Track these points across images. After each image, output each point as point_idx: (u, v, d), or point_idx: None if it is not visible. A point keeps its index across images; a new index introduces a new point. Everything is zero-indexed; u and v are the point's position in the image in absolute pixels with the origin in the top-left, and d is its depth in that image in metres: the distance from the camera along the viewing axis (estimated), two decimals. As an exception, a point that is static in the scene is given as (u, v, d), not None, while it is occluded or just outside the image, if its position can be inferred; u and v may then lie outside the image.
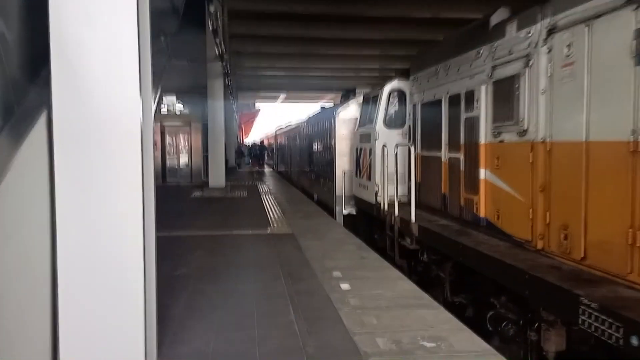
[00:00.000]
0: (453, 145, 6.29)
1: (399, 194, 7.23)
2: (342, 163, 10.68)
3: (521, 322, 4.38)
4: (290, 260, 6.45)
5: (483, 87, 5.53)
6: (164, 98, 22.31)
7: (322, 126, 12.74)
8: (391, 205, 7.30)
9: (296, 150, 19.00)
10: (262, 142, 36.70)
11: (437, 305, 4.72)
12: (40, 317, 2.95)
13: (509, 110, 4.98)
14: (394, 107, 8.28)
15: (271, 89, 36.61)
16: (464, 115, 5.97)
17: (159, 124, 20.37)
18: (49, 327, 2.96)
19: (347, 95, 12.65)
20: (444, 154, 6.55)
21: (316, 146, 13.64)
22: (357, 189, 9.43)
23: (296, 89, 35.10)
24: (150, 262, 3.29)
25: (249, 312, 4.49)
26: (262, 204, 12.45)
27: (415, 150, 7.02)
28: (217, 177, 14.79)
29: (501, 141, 5.15)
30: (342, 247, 7.25)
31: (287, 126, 24.30)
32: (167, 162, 20.69)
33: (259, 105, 56.26)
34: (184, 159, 20.84)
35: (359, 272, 5.82)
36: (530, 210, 4.59)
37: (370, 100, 8.87)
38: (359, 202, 9.44)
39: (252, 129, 58.65)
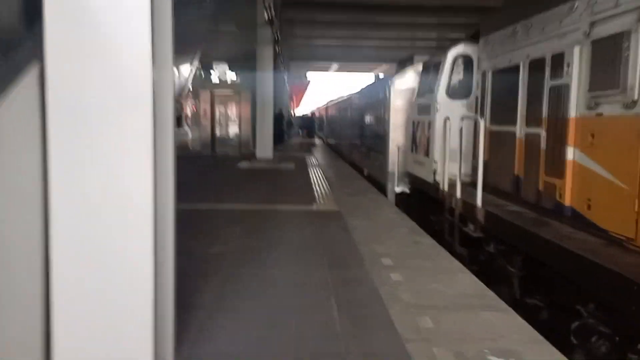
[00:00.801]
0: (532, 119, 5.34)
1: (461, 173, 6.38)
2: (397, 137, 9.84)
3: (618, 338, 3.54)
4: (335, 243, 5.81)
5: (577, 49, 4.54)
6: (214, 67, 21.99)
7: (375, 97, 11.86)
8: (452, 185, 6.46)
9: (347, 123, 18.20)
10: (312, 114, 35.97)
11: (505, 307, 3.95)
12: (28, 315, 2.44)
13: (612, 76, 4.01)
14: (458, 75, 7.33)
15: (323, 59, 35.62)
16: (548, 83, 5.00)
17: (209, 92, 20.13)
18: (40, 326, 2.44)
19: (403, 64, 11.67)
20: (520, 129, 5.61)
21: (368, 118, 12.80)
22: (413, 165, 8.60)
23: (349, 60, 33.92)
24: (166, 252, 2.71)
25: (284, 305, 3.89)
26: (309, 177, 11.84)
27: (483, 124, 6.11)
28: (265, 149, 14.30)
29: (599, 114, 4.19)
30: (394, 230, 6.53)
31: (338, 98, 23.45)
32: (217, 131, 20.46)
33: (310, 75, 55.51)
34: (233, 129, 20.53)
35: (412, 261, 5.11)
36: (637, 201, 3.68)
37: (431, 68, 7.94)
38: (414, 180, 8.62)
39: (303, 100, 58.09)
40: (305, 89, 56.76)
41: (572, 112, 4.56)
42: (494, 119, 6.39)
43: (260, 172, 13.13)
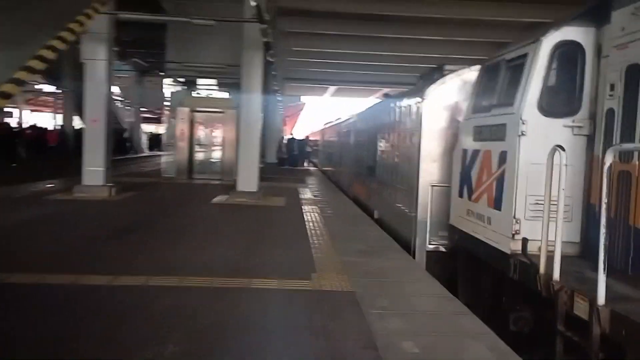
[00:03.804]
0: None
1: (560, 240, 3.48)
2: (430, 171, 6.91)
3: None
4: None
5: None
6: (199, 82, 19.17)
7: (394, 116, 8.95)
8: (546, 262, 3.50)
9: (349, 149, 15.26)
10: (306, 137, 33.04)
11: None
12: None
13: None
14: (559, 78, 4.46)
15: (320, 80, 33.08)
16: None
17: (187, 110, 17.21)
18: None
19: (430, 76, 8.79)
20: None
21: (382, 144, 9.85)
22: (463, 218, 5.62)
23: (353, 80, 31.33)
24: None
25: None
26: (303, 222, 8.82)
27: (611, 158, 3.23)
28: (248, 180, 11.31)
29: None
30: (457, 336, 3.54)
31: (338, 120, 20.57)
32: (195, 155, 17.47)
33: (304, 99, 53.01)
34: (215, 154, 17.56)
35: None
36: None
37: (503, 69, 5.06)
38: (464, 239, 5.64)
39: (297, 124, 55.48)
40: (299, 111, 54.22)
41: None
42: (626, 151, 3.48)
43: (238, 211, 10.08)
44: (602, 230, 2.99)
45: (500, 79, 5.05)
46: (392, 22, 18.62)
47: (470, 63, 7.15)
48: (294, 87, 37.24)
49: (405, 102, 8.11)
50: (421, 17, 17.79)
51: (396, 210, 8.32)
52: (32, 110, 43.14)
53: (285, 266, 5.70)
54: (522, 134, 4.39)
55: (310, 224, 8.59)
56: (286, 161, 26.62)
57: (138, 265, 5.44)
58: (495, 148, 4.85)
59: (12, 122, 32.55)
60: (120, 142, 31.94)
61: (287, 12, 17.53)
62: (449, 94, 6.81)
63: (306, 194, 13.47)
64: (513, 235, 4.39)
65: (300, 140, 30.42)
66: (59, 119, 30.56)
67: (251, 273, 5.30)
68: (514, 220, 4.40)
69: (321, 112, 50.22)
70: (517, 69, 4.71)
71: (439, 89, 6.87)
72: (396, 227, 8.19)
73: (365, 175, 11.72)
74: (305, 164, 29.05)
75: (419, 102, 7.15)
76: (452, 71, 7.32)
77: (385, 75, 28.12)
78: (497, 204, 4.75)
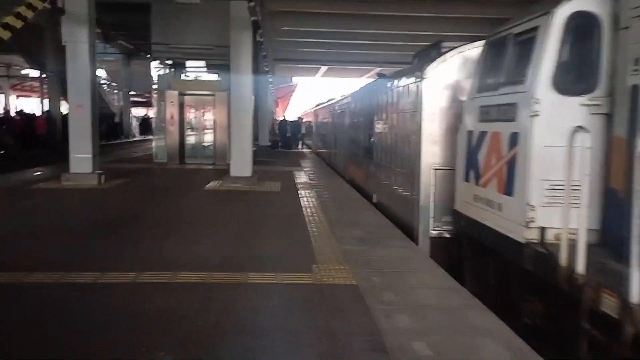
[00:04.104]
0: None
1: (581, 227, 3.23)
2: (432, 154, 6.61)
3: None
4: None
5: None
6: (188, 64, 18.62)
7: (392, 96, 8.61)
8: (568, 250, 3.25)
9: (345, 130, 14.90)
10: (299, 118, 32.49)
11: None
12: None
13: None
14: (573, 52, 4.13)
15: (311, 60, 32.46)
16: None
17: (176, 93, 16.72)
18: None
19: (427, 53, 8.43)
20: None
21: (380, 125, 9.52)
22: (470, 204, 5.35)
23: (344, 60, 30.74)
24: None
25: None
26: (300, 208, 8.53)
27: None
28: (242, 165, 10.96)
29: None
30: (470, 333, 3.30)
31: (332, 99, 20.12)
32: (186, 139, 17.05)
33: (296, 80, 52.29)
34: (206, 136, 17.15)
35: None
36: None
37: (510, 43, 4.73)
38: (470, 225, 5.37)
39: (289, 105, 54.85)
40: (291, 93, 53.58)
41: None
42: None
43: (233, 198, 9.77)
44: (636, 221, 2.72)
45: (507, 55, 4.72)
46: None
47: (467, 40, 6.81)
48: (284, 67, 36.61)
49: (403, 80, 7.76)
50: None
51: (396, 194, 8.05)
52: (18, 96, 42.24)
53: (284, 257, 5.43)
54: (536, 114, 4.08)
55: (308, 210, 8.31)
56: (279, 143, 26.19)
57: (127, 260, 5.14)
58: (505, 129, 4.55)
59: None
60: (111, 127, 31.38)
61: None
62: (450, 72, 6.47)
63: (301, 177, 13.16)
64: (527, 223, 4.12)
65: (293, 121, 29.92)
66: (46, 105, 29.87)
67: (248, 266, 5.02)
68: (528, 207, 4.12)
69: (314, 93, 49.61)
70: (527, 43, 4.38)
71: (440, 66, 6.52)
72: (397, 212, 7.93)
73: (362, 157, 11.41)
74: (300, 146, 28.65)
75: (418, 81, 6.81)
76: (450, 48, 6.95)
77: (378, 55, 27.62)
78: (508, 189, 4.46)
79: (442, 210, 6.55)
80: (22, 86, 40.38)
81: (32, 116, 26.83)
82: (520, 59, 4.47)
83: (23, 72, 33.93)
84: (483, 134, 5.02)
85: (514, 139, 4.39)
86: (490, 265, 5.13)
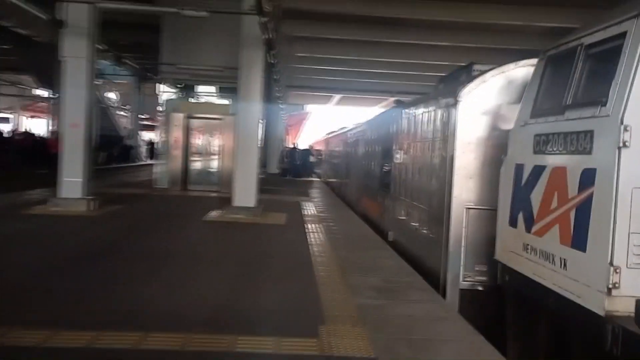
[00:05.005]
0: None
1: None
2: (466, 190, 5.59)
3: None
4: None
5: None
6: (197, 87, 17.99)
7: (415, 123, 7.65)
8: None
9: (358, 160, 13.94)
10: (310, 146, 31.70)
11: None
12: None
13: None
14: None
15: (325, 88, 31.94)
16: None
17: (182, 116, 15.96)
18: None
19: (456, 76, 7.53)
20: None
21: (399, 155, 8.53)
22: (518, 254, 4.29)
23: (359, 89, 30.17)
24: None
25: None
26: (307, 245, 7.49)
27: None
28: (245, 193, 10.02)
29: None
30: None
31: (342, 128, 19.26)
32: (190, 164, 16.19)
33: (309, 108, 51.95)
34: (212, 162, 16.30)
35: None
36: None
37: (580, 57, 3.76)
38: (517, 281, 4.30)
39: (300, 133, 54.29)
40: (303, 120, 53.13)
41: None
42: None
43: (232, 231, 8.78)
44: None
45: (576, 71, 3.75)
46: (403, 27, 17.45)
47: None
48: (297, 94, 36.16)
49: (430, 106, 6.80)
50: (433, 21, 16.64)
51: (418, 235, 6.99)
52: (29, 117, 42.14)
53: (285, 313, 4.39)
54: (624, 145, 3.08)
55: (315, 249, 7.27)
56: (288, 172, 25.31)
57: (89, 312, 4.13)
58: (574, 164, 3.54)
59: (7, 128, 31.51)
60: (124, 150, 30.83)
61: (290, 14, 16.37)
62: (489, 95, 5.51)
63: (309, 209, 12.15)
64: (610, 289, 3.06)
65: (303, 150, 29.11)
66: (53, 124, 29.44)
67: (239, 325, 3.98)
68: (612, 269, 3.07)
69: (326, 121, 49.04)
70: (608, 54, 3.41)
71: (478, 89, 5.56)
72: (418, 254, 6.86)
73: (378, 190, 10.40)
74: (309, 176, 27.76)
75: (451, 106, 5.85)
76: (482, 71, 6.03)
77: (393, 84, 26.95)
78: (578, 241, 3.42)
79: (475, 258, 5.52)
80: (34, 107, 40.27)
81: (36, 136, 26.39)
82: (597, 74, 3.49)
83: (35, 92, 33.79)
84: (539, 168, 4.00)
85: (588, 176, 3.37)
86: (545, 334, 4.03)
